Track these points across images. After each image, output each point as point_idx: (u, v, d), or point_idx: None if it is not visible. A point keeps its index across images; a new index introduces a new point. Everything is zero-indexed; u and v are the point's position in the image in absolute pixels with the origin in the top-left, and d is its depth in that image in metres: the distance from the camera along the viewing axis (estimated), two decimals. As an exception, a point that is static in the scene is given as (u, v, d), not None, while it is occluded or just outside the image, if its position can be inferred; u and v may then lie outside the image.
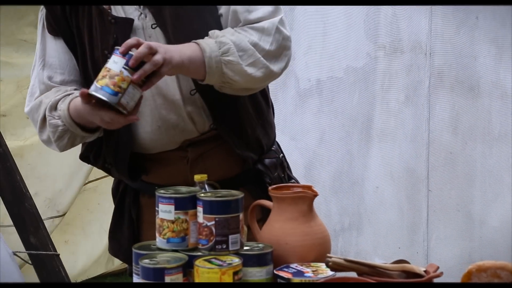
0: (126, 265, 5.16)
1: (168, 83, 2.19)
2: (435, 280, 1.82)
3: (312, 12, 4.27)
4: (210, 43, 2.10)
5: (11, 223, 3.71)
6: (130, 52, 1.98)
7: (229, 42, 2.11)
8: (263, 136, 2.33)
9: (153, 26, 2.18)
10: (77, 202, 4.62)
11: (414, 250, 4.27)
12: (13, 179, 3.64)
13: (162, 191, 1.94)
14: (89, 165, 4.37)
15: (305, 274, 1.88)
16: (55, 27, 2.26)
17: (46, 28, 2.28)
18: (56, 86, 2.27)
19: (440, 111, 4.25)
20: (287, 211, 2.01)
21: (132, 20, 2.18)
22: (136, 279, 1.92)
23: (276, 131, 2.45)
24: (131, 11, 2.19)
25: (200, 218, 1.91)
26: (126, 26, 2.17)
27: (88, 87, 2.09)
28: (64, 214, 4.52)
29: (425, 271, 1.83)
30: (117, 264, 4.89)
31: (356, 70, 4.28)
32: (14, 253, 3.55)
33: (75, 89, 2.24)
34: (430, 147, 4.26)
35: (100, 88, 1.95)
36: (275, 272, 1.91)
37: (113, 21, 2.17)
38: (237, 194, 1.96)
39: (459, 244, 4.25)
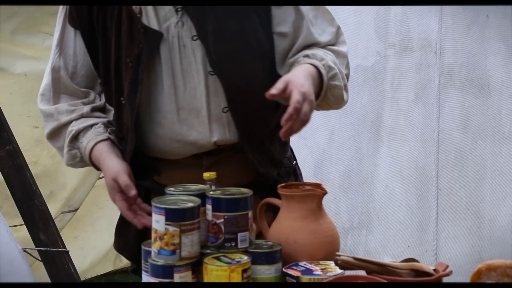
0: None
1: (197, 98, 2.14)
2: (445, 279, 1.81)
3: (322, 10, 4.26)
4: (322, 68, 2.09)
5: (21, 222, 3.72)
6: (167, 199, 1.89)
7: (335, 68, 2.12)
8: (285, 149, 2.32)
9: (194, 38, 2.11)
10: (87, 199, 4.61)
11: (424, 249, 4.27)
12: (23, 176, 3.65)
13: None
14: None
15: (314, 272, 1.88)
16: (76, 20, 2.20)
17: (68, 18, 2.22)
18: (67, 86, 2.25)
19: (450, 109, 4.25)
20: (296, 209, 2.01)
21: (161, 35, 2.10)
22: (145, 276, 1.93)
23: None
24: (167, 17, 2.12)
25: (209, 215, 1.91)
26: (155, 39, 2.10)
27: (107, 90, 2.16)
28: (76, 210, 4.51)
29: (434, 270, 1.83)
30: (126, 261, 4.91)
31: (366, 69, 4.28)
32: (24, 250, 3.56)
33: (92, 111, 2.25)
34: (440, 146, 4.26)
35: (157, 252, 1.86)
36: (284, 270, 1.91)
37: (142, 30, 2.10)
38: (246, 192, 1.96)
39: (469, 242, 4.25)
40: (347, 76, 2.21)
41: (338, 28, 2.25)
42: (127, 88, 2.13)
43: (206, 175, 2.09)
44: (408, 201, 4.31)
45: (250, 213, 1.93)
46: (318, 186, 2.05)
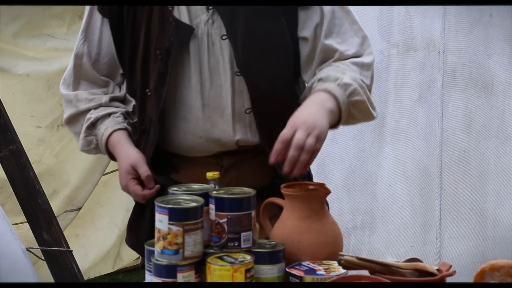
0: (138, 262, 5.19)
1: (223, 96, 2.16)
2: (448, 279, 1.81)
3: (325, 9, 4.25)
4: (335, 89, 2.09)
5: (24, 219, 3.73)
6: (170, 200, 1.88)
7: (352, 83, 2.12)
8: None
9: (223, 37, 2.13)
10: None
11: (427, 249, 4.26)
12: (27, 175, 3.65)
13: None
14: (106, 160, 4.47)
15: (317, 272, 1.88)
16: (106, 9, 2.22)
17: (97, 5, 2.24)
18: (88, 74, 2.27)
19: (453, 109, 4.24)
20: (299, 209, 2.01)
21: (193, 29, 2.13)
22: (148, 275, 1.93)
23: None
24: (198, 14, 2.15)
25: (212, 215, 1.91)
26: (186, 33, 2.12)
27: (130, 80, 2.18)
28: (79, 209, 4.53)
29: (437, 270, 1.83)
30: (128, 260, 4.91)
31: (369, 68, 4.27)
32: (27, 249, 3.56)
33: (111, 101, 2.27)
34: (443, 146, 4.25)
35: (160, 252, 1.85)
36: (287, 270, 1.91)
37: (173, 24, 2.12)
38: (250, 191, 1.96)
39: (472, 242, 4.24)
40: (369, 87, 2.20)
41: (364, 38, 2.25)
42: (155, 80, 2.15)
43: (209, 174, 2.09)
44: (412, 201, 4.30)
45: (253, 213, 1.93)
46: (321, 185, 2.05)
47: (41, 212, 3.66)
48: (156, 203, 1.87)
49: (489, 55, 4.22)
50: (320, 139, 1.99)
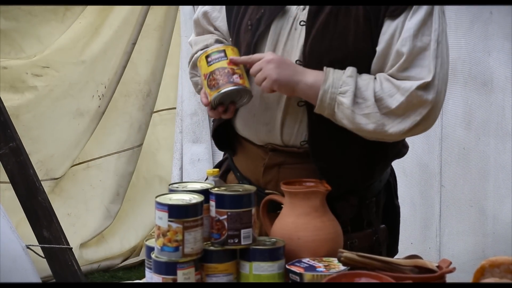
0: (138, 259, 5.20)
1: None
2: (448, 276, 1.81)
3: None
4: (336, 78, 2.03)
5: (6, 179, 3.76)
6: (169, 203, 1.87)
7: (351, 84, 2.02)
8: (361, 179, 2.23)
9: (301, 23, 2.12)
10: (81, 178, 4.76)
11: (427, 246, 4.26)
12: (26, 173, 3.66)
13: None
14: (87, 138, 4.55)
15: (317, 269, 1.88)
16: None
17: None
18: (205, 30, 2.32)
19: (453, 106, 4.23)
20: (299, 206, 2.01)
21: (285, 5, 2.13)
22: (148, 272, 1.93)
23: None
24: None
25: (213, 212, 1.91)
26: (277, 8, 2.13)
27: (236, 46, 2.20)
28: (56, 178, 4.58)
29: (437, 267, 1.83)
30: (114, 244, 4.95)
31: (369, 65, 4.27)
32: (27, 247, 3.57)
33: (217, 42, 2.29)
34: (443, 143, 4.25)
35: (160, 249, 1.86)
36: (287, 266, 1.91)
37: None
38: (250, 188, 1.96)
39: (472, 239, 4.24)
40: (394, 111, 2.04)
41: (430, 69, 2.13)
42: (244, 50, 2.17)
43: (209, 171, 2.10)
44: (412, 198, 4.30)
45: (253, 210, 1.93)
46: (321, 183, 2.05)
47: (41, 210, 3.66)
48: (156, 200, 1.87)
49: (489, 52, 4.22)
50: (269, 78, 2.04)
